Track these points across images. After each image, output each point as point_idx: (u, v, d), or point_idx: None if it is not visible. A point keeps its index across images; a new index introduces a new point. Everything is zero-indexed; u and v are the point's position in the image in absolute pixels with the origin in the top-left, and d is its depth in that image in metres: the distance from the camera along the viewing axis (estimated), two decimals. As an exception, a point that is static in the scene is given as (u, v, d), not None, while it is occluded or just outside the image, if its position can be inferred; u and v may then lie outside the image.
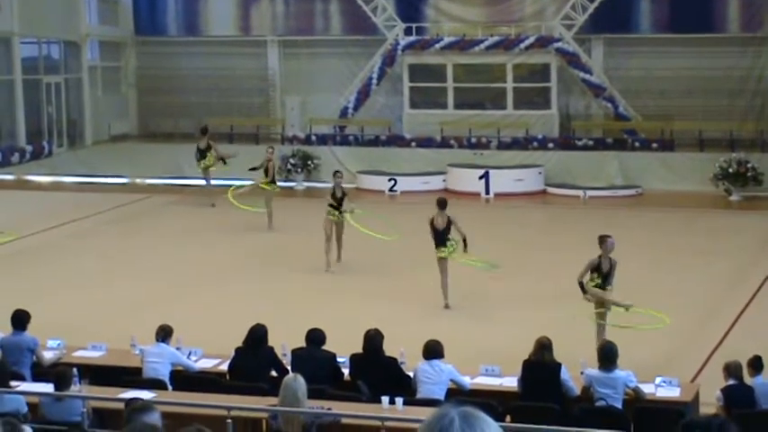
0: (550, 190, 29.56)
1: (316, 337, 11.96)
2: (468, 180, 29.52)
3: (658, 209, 26.70)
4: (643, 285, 18.51)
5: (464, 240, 17.27)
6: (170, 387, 11.74)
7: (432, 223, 17.45)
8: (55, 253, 22.07)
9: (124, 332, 13.68)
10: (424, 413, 3.06)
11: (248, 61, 35.87)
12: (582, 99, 33.13)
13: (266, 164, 23.81)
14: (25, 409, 10.62)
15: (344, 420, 10.28)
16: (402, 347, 12.29)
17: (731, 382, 11.27)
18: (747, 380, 11.37)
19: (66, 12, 34.25)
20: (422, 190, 29.61)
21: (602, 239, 14.63)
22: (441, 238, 17.35)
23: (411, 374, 11.62)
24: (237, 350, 12.09)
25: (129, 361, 12.57)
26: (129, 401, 9.65)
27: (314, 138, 33.10)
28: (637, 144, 31.38)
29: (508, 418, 10.64)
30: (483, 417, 2.83)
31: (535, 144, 31.50)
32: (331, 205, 20.17)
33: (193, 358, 12.62)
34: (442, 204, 17.65)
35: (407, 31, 33.53)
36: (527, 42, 32.33)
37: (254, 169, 24.20)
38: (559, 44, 32.24)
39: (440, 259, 17.42)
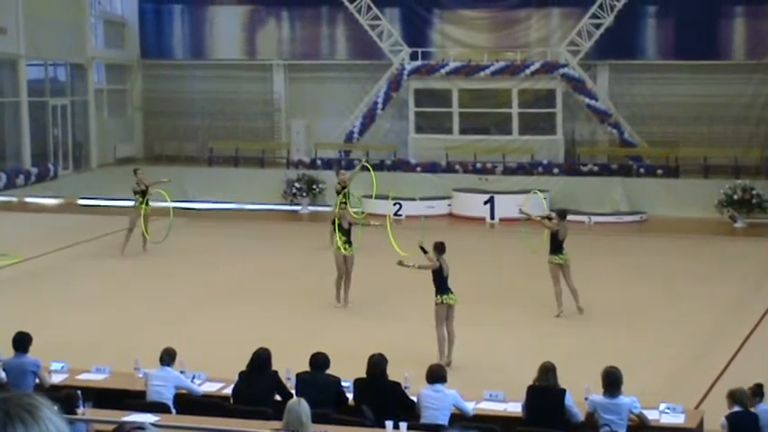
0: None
1: (319, 361, 11.92)
2: (473, 205, 29.54)
3: (663, 235, 26.67)
4: (646, 311, 18.51)
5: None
6: (174, 411, 11.72)
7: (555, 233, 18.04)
8: (59, 275, 22.06)
9: (128, 355, 13.66)
10: (430, 438, 3.06)
11: (254, 85, 35.96)
12: (587, 125, 33.17)
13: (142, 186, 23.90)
14: None
15: (348, 445, 10.25)
16: (407, 372, 12.27)
17: (736, 409, 11.23)
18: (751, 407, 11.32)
19: (72, 34, 34.36)
20: (427, 215, 29.61)
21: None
22: (557, 246, 17.91)
23: (415, 399, 11.59)
24: (241, 374, 12.06)
25: (133, 384, 12.54)
26: (119, 426, 9.57)
27: (319, 162, 33.11)
28: (642, 170, 31.39)
29: (512, 443, 10.61)
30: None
31: (540, 169, 31.51)
32: (344, 240, 18.96)
33: (197, 382, 12.59)
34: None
35: (413, 56, 33.62)
36: (533, 68, 32.40)
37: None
38: (565, 70, 32.30)
39: (557, 266, 17.90)
